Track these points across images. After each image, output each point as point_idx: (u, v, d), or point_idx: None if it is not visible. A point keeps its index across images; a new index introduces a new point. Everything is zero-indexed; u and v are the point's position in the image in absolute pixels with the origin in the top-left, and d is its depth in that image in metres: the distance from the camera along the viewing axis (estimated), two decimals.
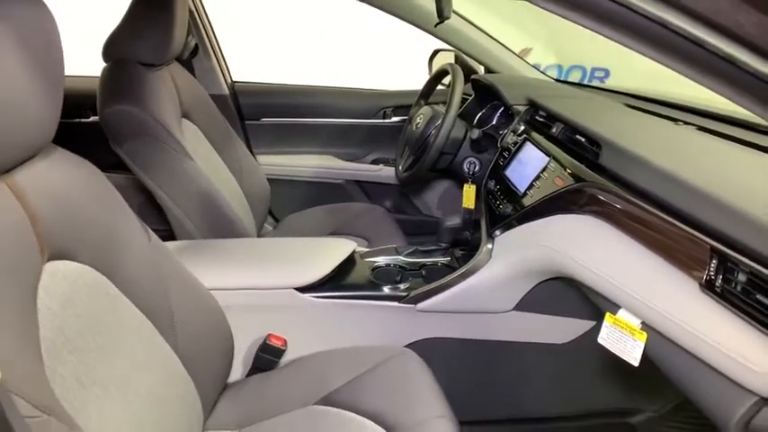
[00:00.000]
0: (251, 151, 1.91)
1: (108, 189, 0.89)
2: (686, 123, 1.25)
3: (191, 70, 1.80)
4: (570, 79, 2.62)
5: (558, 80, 1.91)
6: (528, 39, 2.35)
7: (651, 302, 0.79)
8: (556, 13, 0.64)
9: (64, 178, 0.80)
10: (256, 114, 2.04)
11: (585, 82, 2.67)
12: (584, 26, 0.63)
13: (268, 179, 1.85)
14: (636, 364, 0.83)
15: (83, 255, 0.79)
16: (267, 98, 2.06)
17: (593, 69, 2.85)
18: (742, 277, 0.70)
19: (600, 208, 0.95)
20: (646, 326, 0.82)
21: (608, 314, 0.89)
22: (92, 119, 1.91)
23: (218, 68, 1.92)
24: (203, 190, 1.37)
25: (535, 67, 1.99)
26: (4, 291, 0.63)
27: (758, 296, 0.67)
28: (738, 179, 0.85)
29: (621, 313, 0.86)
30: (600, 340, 0.90)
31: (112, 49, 1.33)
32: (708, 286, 0.73)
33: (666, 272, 0.79)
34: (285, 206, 2.00)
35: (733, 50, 0.55)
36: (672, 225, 0.80)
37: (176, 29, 1.37)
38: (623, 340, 0.85)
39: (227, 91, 1.95)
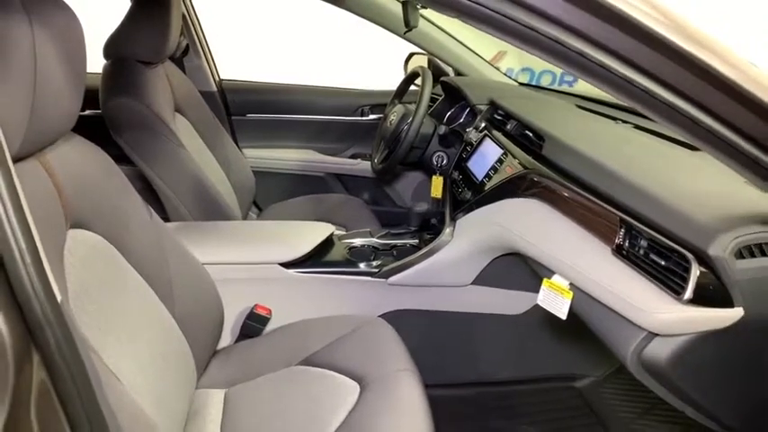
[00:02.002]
0: (237, 145, 2.03)
1: (116, 172, 1.02)
2: (625, 122, 1.43)
3: (182, 68, 1.92)
4: (541, 83, 2.80)
5: (521, 84, 2.09)
6: (502, 44, 2.51)
7: (575, 266, 0.96)
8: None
9: (82, 160, 0.94)
10: (242, 110, 2.16)
11: (555, 86, 2.84)
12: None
13: (253, 171, 1.98)
14: (564, 317, 1.00)
15: (96, 226, 0.92)
16: (253, 95, 2.19)
17: (563, 74, 3.03)
18: (643, 243, 0.88)
19: (539, 191, 1.12)
20: (572, 286, 1.00)
21: (545, 279, 1.06)
22: (87, 112, 2.01)
23: (207, 67, 2.04)
24: (196, 177, 1.50)
25: (508, 70, 2.15)
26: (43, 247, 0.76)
27: (654, 257, 0.85)
28: (650, 166, 1.03)
29: (555, 278, 1.03)
30: (538, 302, 1.06)
31: (113, 48, 1.45)
32: (617, 250, 0.91)
33: (587, 240, 0.97)
34: (269, 196, 2.13)
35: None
36: (592, 202, 0.97)
37: (171, 30, 1.50)
38: (556, 300, 1.02)
39: (215, 88, 2.07)
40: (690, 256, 0.78)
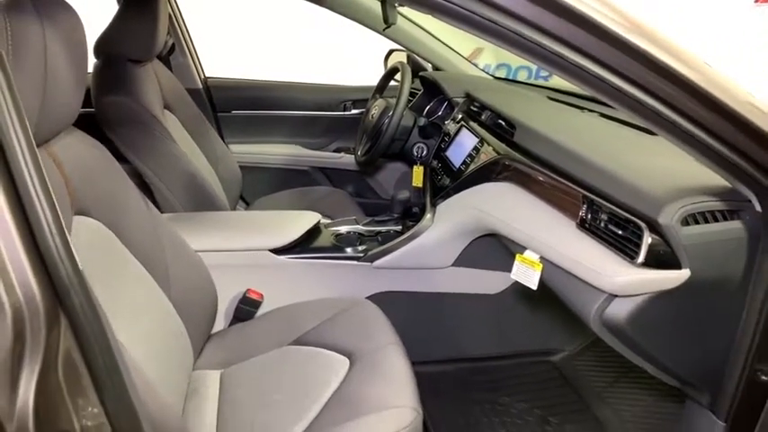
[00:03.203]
0: (223, 140, 2.08)
1: (114, 164, 1.08)
2: (591, 111, 1.53)
3: (168, 67, 1.97)
4: (518, 77, 2.91)
5: (495, 77, 2.18)
6: (479, 41, 2.60)
7: (544, 240, 1.06)
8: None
9: (84, 153, 0.99)
10: (228, 107, 2.22)
11: (532, 80, 2.95)
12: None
13: (239, 166, 2.04)
14: (534, 287, 1.09)
15: (97, 213, 0.97)
16: (238, 92, 2.24)
17: (539, 69, 3.14)
18: (603, 216, 0.97)
19: (511, 174, 1.22)
20: (542, 259, 1.09)
21: (517, 255, 1.15)
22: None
23: (193, 65, 2.10)
24: (187, 171, 1.56)
25: (486, 66, 2.25)
26: None
27: (612, 227, 0.95)
28: (611, 148, 1.12)
29: (526, 252, 1.12)
30: (512, 275, 1.15)
31: (104, 47, 1.51)
32: (581, 224, 1.00)
33: (554, 217, 1.06)
34: (255, 191, 2.18)
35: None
36: (558, 182, 1.07)
37: (160, 28, 1.55)
38: (527, 272, 1.11)
39: (200, 85, 2.12)
40: (642, 224, 0.87)
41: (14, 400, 0.55)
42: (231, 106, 2.22)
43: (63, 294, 0.60)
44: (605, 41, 0.71)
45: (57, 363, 0.59)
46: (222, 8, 3.05)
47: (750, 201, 0.85)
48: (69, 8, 0.87)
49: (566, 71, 0.75)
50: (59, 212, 0.60)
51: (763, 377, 0.91)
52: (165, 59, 2.00)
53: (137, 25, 1.51)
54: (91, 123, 1.44)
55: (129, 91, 1.44)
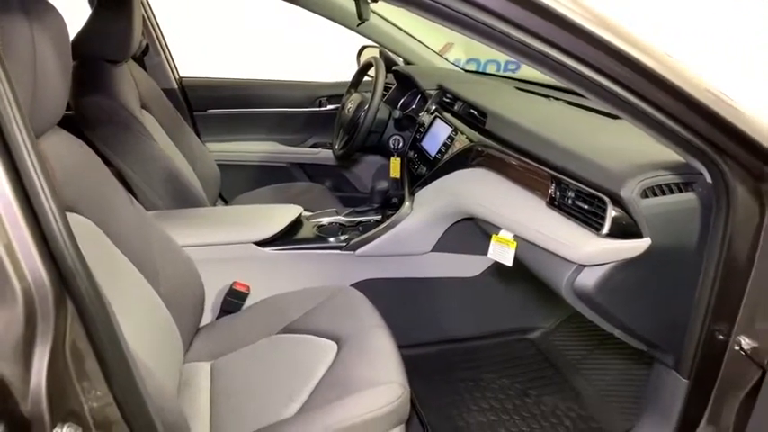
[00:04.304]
0: (200, 140, 2.10)
1: (99, 162, 1.10)
2: (557, 99, 1.61)
3: (143, 67, 1.98)
4: (487, 71, 2.99)
5: (465, 70, 2.25)
6: (449, 36, 2.67)
7: (517, 219, 1.12)
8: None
9: (70, 151, 1.01)
10: (204, 106, 2.23)
11: (500, 73, 3.03)
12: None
13: (218, 165, 2.06)
14: (510, 264, 1.16)
15: (85, 210, 0.99)
16: (213, 91, 2.26)
17: (507, 63, 3.23)
18: (571, 193, 1.04)
19: (484, 160, 1.28)
20: (516, 237, 1.15)
21: (493, 235, 1.21)
22: None
23: (167, 65, 2.10)
24: (168, 169, 1.58)
25: (456, 61, 2.31)
26: None
27: (579, 203, 1.02)
28: (576, 132, 1.20)
29: (501, 232, 1.19)
30: (489, 255, 1.22)
31: (80, 48, 1.51)
32: (550, 202, 1.07)
33: (526, 197, 1.13)
34: (234, 188, 2.21)
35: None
36: (528, 164, 1.14)
37: (135, 29, 1.57)
38: (503, 250, 1.17)
39: (176, 85, 2.14)
40: (606, 199, 0.95)
41: (28, 379, 0.58)
42: (207, 105, 2.24)
43: (69, 280, 0.63)
44: (568, 31, 0.78)
45: (64, 346, 0.63)
46: (189, 9, 3.03)
47: (702, 174, 0.93)
48: (52, 8, 0.90)
49: (532, 59, 0.81)
50: None
51: (720, 336, 1.00)
52: (140, 60, 2.01)
53: (112, 25, 1.52)
54: (68, 125, 1.46)
55: (108, 91, 1.46)
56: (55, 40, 0.88)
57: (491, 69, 3.25)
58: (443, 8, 0.76)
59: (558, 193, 1.06)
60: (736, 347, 0.99)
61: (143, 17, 1.93)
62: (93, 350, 0.67)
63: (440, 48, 2.28)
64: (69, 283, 0.63)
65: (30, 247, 0.59)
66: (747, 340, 0.98)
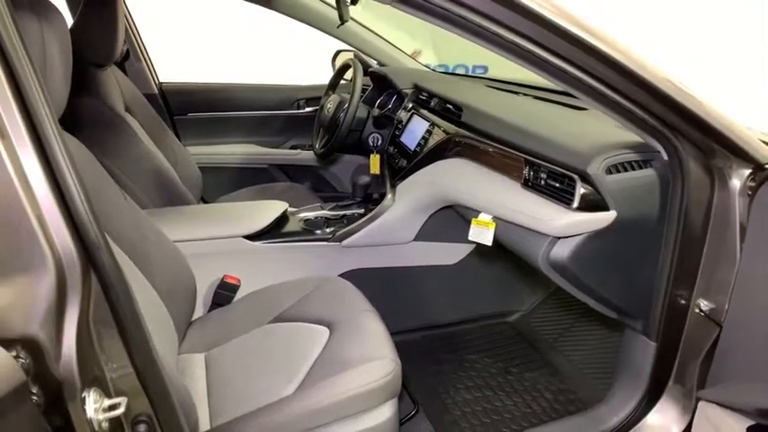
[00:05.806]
0: (181, 143, 2.13)
1: (94, 159, 1.14)
2: (525, 95, 1.71)
3: (124, 72, 2.00)
4: None
5: (434, 70, 2.36)
6: (418, 42, 2.76)
7: (495, 201, 1.21)
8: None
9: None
10: (184, 110, 2.27)
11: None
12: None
13: (199, 167, 2.09)
14: (489, 243, 1.24)
15: None
16: (192, 96, 2.30)
17: (474, 67, 3.36)
18: (543, 174, 1.14)
19: (461, 149, 1.37)
20: (495, 218, 1.24)
21: (473, 219, 1.29)
22: None
23: (148, 70, 2.14)
24: (155, 169, 1.62)
25: (426, 65, 2.40)
26: None
27: (551, 182, 1.11)
28: (545, 120, 1.30)
29: (480, 215, 1.27)
30: (470, 237, 1.30)
31: None
32: (525, 183, 1.17)
33: (502, 181, 1.22)
34: (216, 190, 2.24)
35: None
36: (503, 151, 1.23)
37: (119, 33, 1.59)
38: (482, 232, 1.26)
39: (156, 90, 2.17)
40: (575, 176, 1.04)
41: (61, 341, 0.63)
42: (187, 109, 2.27)
43: (93, 253, 0.68)
44: (536, 23, 0.87)
45: (89, 314, 0.67)
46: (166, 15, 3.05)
47: (659, 151, 1.04)
48: (57, 10, 0.94)
49: (503, 48, 0.90)
50: None
51: (682, 300, 1.10)
52: (121, 66, 2.03)
53: (98, 29, 1.55)
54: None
55: (96, 93, 1.49)
56: (60, 40, 0.92)
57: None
58: (426, 3, 0.84)
59: (531, 175, 1.15)
60: (697, 310, 1.09)
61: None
62: (115, 321, 0.72)
63: (409, 54, 2.38)
64: (93, 257, 0.68)
65: (59, 222, 0.64)
66: (706, 302, 1.08)
